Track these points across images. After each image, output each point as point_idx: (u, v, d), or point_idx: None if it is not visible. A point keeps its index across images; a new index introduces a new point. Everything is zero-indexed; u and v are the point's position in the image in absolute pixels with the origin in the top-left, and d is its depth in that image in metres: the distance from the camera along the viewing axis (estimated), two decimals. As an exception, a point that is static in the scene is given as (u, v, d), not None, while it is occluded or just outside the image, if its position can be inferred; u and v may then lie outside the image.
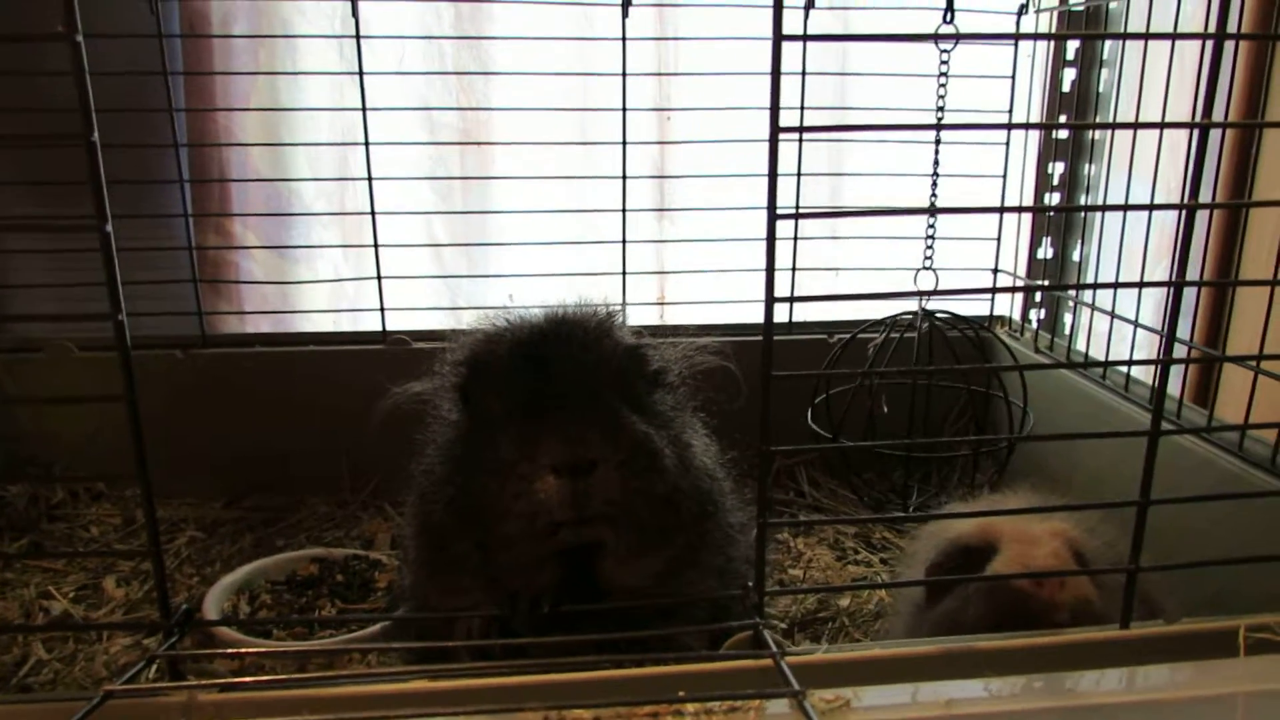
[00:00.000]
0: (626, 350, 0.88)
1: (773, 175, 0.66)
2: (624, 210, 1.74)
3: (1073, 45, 1.83)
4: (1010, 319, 1.95)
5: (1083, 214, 1.87)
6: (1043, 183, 1.92)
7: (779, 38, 0.65)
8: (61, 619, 1.39)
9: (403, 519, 1.64)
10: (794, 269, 1.83)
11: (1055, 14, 1.78)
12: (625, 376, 0.87)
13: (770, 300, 0.66)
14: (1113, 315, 1.44)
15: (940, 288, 1.65)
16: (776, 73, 0.67)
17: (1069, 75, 1.85)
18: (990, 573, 0.91)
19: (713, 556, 0.89)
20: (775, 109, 0.66)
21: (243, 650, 1.14)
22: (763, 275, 1.77)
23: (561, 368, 0.83)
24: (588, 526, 0.80)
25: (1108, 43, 1.80)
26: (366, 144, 1.66)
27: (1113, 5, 1.72)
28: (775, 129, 0.66)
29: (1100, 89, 1.83)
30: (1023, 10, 1.75)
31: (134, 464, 0.68)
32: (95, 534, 1.63)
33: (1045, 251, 1.94)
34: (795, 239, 1.81)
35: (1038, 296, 1.93)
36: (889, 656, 0.75)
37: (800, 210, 1.81)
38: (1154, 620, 0.80)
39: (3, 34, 0.65)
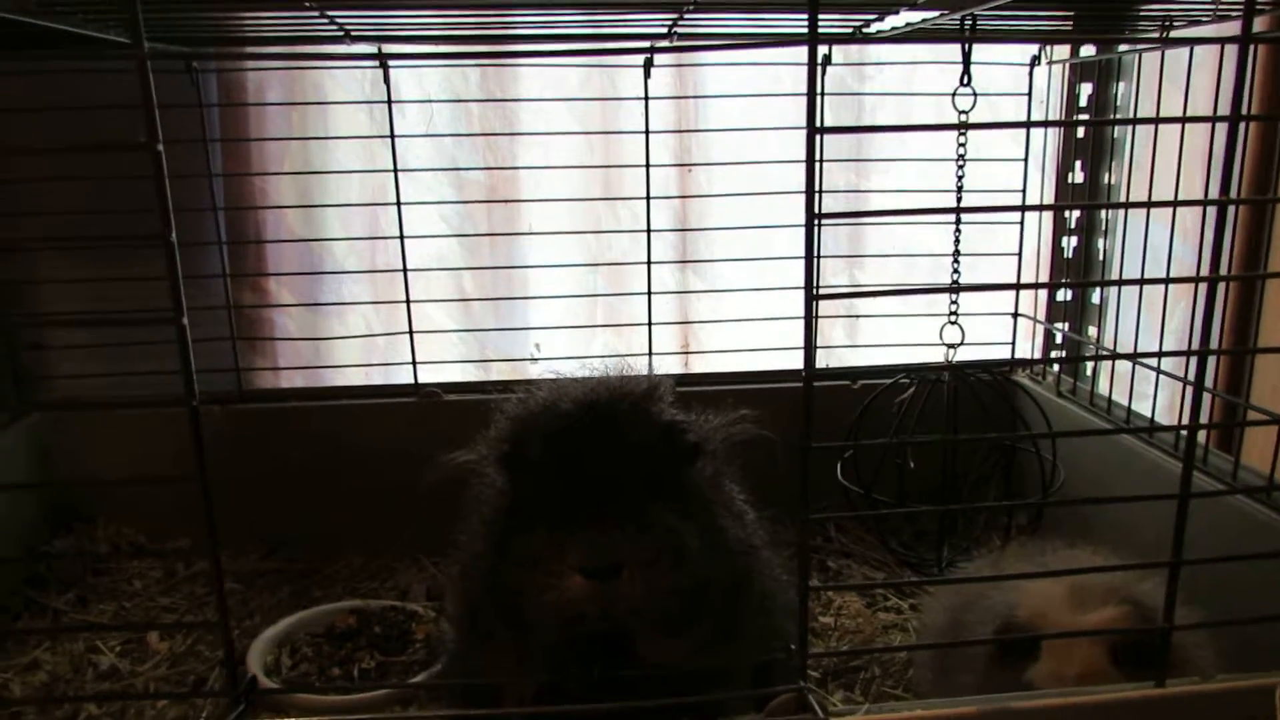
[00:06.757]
0: (664, 429, 0.90)
1: (809, 258, 0.69)
2: (649, 262, 1.77)
3: (1085, 91, 1.87)
4: (1029, 359, 1.97)
5: (1101, 256, 1.90)
6: (1060, 225, 1.95)
7: (813, 130, 0.68)
8: (112, 675, 1.42)
9: (441, 573, 1.67)
10: (815, 317, 1.87)
11: (1067, 65, 1.82)
12: (660, 456, 0.89)
13: (810, 379, 0.69)
14: (1134, 362, 1.46)
15: (964, 336, 1.70)
16: (811, 160, 0.70)
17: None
18: (1028, 679, 0.93)
19: (751, 622, 0.91)
20: (811, 195, 0.70)
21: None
22: (785, 323, 1.76)
23: (594, 458, 0.86)
24: (615, 619, 0.83)
25: (1120, 89, 1.83)
26: (399, 204, 1.71)
27: (1125, 58, 1.76)
28: (811, 215, 0.70)
29: (1114, 134, 1.86)
30: (1035, 63, 1.79)
31: (206, 543, 0.71)
32: (139, 587, 1.67)
33: (1065, 294, 1.97)
34: (815, 294, 1.85)
35: (1058, 338, 1.95)
36: (930, 717, 0.77)
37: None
38: (1189, 678, 0.82)
39: (87, 144, 0.69)
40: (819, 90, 1.80)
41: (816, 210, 0.69)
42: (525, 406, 0.95)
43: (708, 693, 0.82)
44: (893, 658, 1.39)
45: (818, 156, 0.69)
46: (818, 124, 0.69)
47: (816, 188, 0.69)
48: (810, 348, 0.70)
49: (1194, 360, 0.77)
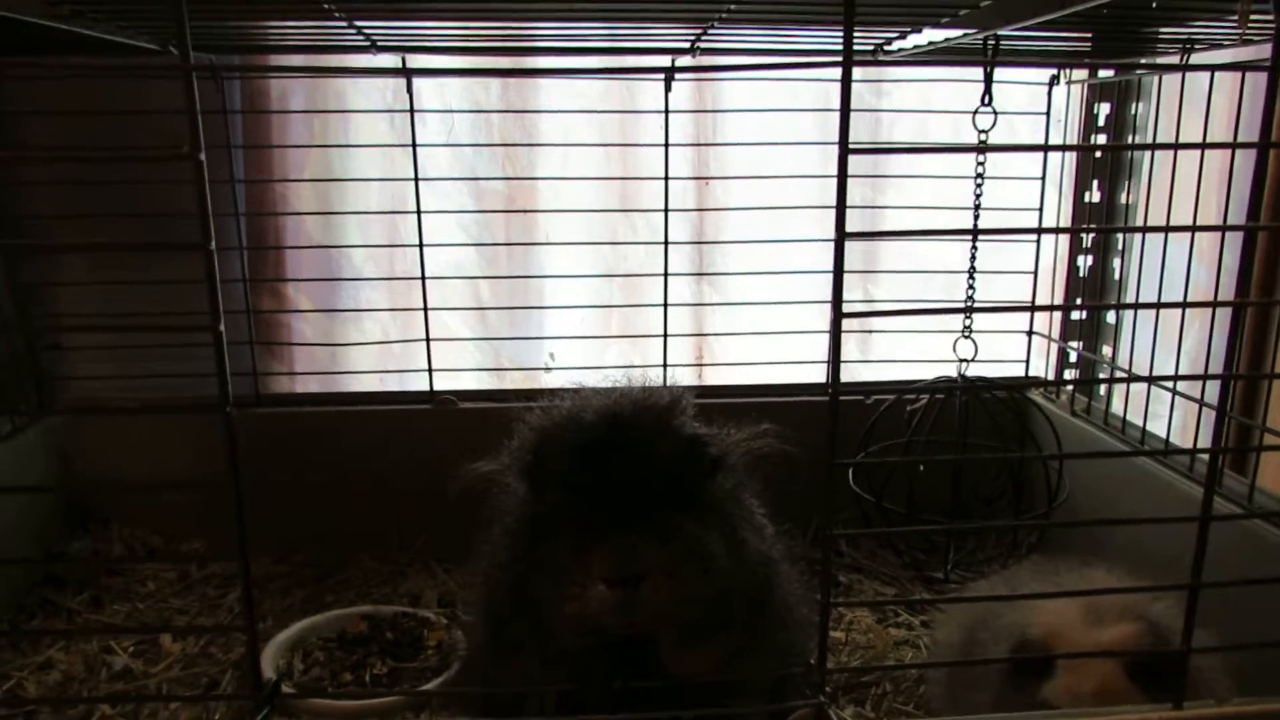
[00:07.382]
0: (686, 442, 0.91)
1: (837, 277, 0.70)
2: (665, 274, 1.78)
3: (1104, 111, 1.87)
4: (1045, 379, 1.97)
5: (1116, 276, 1.90)
6: (1076, 245, 1.95)
7: (845, 150, 0.69)
8: (125, 676, 1.43)
9: (454, 579, 1.68)
10: (840, 333, 1.87)
11: (1086, 85, 1.83)
12: (682, 470, 0.90)
13: (835, 395, 0.69)
14: (1149, 382, 1.46)
15: (977, 350, 1.71)
16: (842, 179, 0.71)
17: (1100, 140, 1.89)
18: (1044, 697, 0.93)
19: (772, 635, 0.92)
20: (841, 213, 0.71)
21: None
22: (800, 337, 1.75)
23: (618, 470, 0.87)
24: (638, 628, 0.84)
25: (1139, 109, 1.84)
26: (418, 212, 1.73)
27: (1145, 77, 1.76)
28: (841, 233, 0.70)
29: (1132, 155, 1.86)
30: (1053, 82, 1.80)
31: (227, 547, 0.72)
32: (152, 589, 1.67)
33: (1079, 312, 1.97)
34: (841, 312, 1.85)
35: (1072, 357, 1.95)
36: (948, 734, 0.77)
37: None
38: (1206, 701, 0.82)
39: (131, 153, 0.70)
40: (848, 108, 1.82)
41: (845, 229, 0.69)
42: (549, 418, 0.96)
43: (727, 705, 0.82)
44: (905, 674, 1.39)
45: (849, 175, 0.69)
46: (849, 144, 0.69)
47: (846, 207, 0.69)
48: (836, 365, 0.71)
49: (1214, 384, 0.77)
